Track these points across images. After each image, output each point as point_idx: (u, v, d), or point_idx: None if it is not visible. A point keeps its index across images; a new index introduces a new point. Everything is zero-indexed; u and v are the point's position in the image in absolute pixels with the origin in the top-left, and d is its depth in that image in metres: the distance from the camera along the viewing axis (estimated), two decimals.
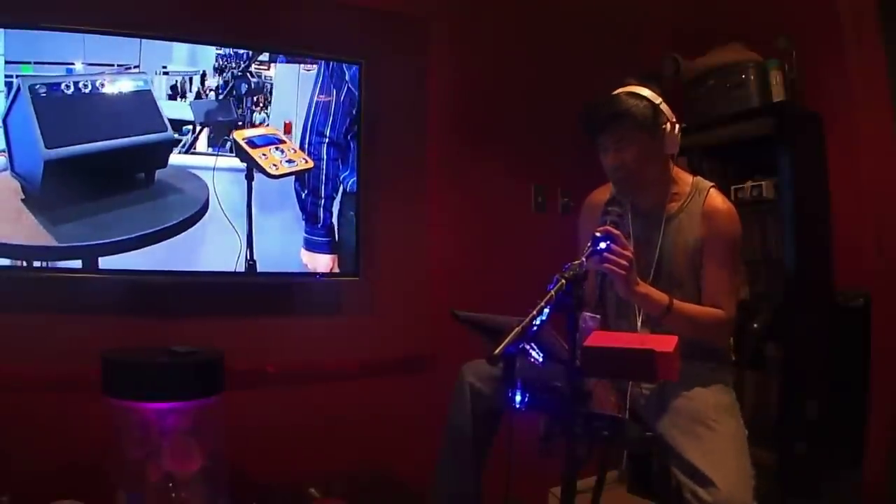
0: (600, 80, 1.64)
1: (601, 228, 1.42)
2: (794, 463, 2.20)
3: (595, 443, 1.40)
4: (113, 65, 1.63)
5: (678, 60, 2.66)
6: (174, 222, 1.67)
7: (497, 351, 1.05)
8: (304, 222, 1.80)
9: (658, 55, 2.75)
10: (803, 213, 2.32)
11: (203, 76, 1.70)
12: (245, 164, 1.61)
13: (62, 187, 1.60)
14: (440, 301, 2.39)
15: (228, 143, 1.60)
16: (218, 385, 1.90)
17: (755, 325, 1.74)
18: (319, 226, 1.84)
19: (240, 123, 1.66)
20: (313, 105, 1.69)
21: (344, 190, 1.70)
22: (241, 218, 1.69)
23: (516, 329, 1.08)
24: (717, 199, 1.62)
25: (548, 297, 1.14)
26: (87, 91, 1.58)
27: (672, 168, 1.66)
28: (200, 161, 1.61)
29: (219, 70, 1.72)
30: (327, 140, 1.67)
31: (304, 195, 1.65)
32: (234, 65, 1.74)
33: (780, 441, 2.22)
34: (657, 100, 1.57)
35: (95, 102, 1.60)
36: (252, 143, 1.63)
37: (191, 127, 1.63)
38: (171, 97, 1.66)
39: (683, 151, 2.49)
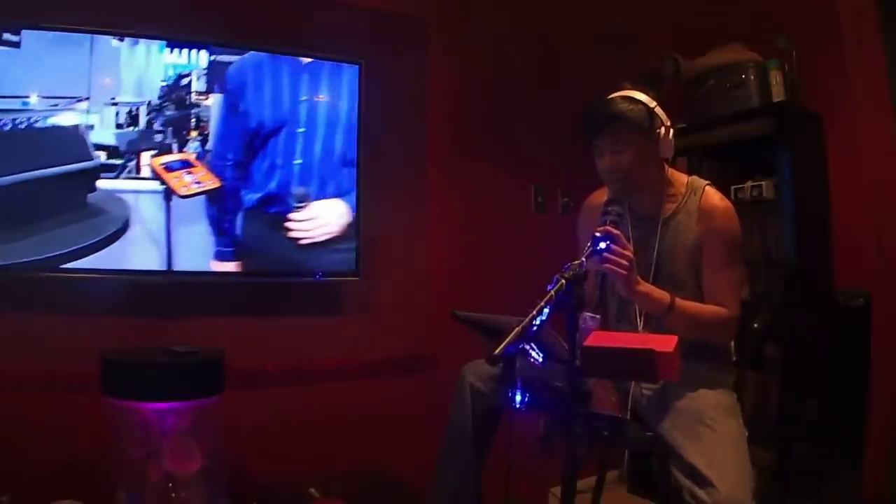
0: (600, 80, 1.64)
1: (601, 228, 1.42)
2: (794, 463, 2.20)
3: (595, 443, 1.40)
4: (65, 97, 1.75)
5: (678, 60, 2.66)
6: (98, 239, 1.83)
7: (497, 351, 1.05)
8: (213, 235, 1.95)
9: (658, 55, 2.75)
10: (803, 213, 2.32)
11: (149, 105, 1.83)
12: (163, 186, 1.78)
13: (4, 211, 1.77)
14: (440, 301, 2.39)
15: (150, 168, 1.79)
16: (218, 385, 1.89)
17: (755, 325, 1.74)
18: (226, 237, 1.99)
19: (158, 151, 1.80)
20: (221, 130, 1.82)
21: (245, 206, 1.85)
22: (163, 233, 1.85)
23: (516, 329, 1.08)
24: (713, 196, 1.61)
25: (548, 297, 1.13)
26: (24, 126, 1.74)
27: (667, 170, 1.66)
28: (128, 185, 1.77)
29: (161, 100, 1.84)
30: (230, 162, 1.80)
31: (213, 211, 1.80)
32: (174, 96, 1.86)
33: (780, 441, 2.22)
34: (652, 103, 1.57)
35: (32, 136, 1.75)
36: (168, 167, 1.78)
37: (121, 154, 1.80)
38: (119, 126, 1.80)
39: (683, 151, 2.52)
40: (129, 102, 1.81)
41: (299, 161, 1.85)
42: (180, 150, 1.81)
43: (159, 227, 1.81)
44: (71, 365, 1.90)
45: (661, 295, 1.49)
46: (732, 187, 2.48)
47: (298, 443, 2.22)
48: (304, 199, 1.83)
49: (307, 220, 1.85)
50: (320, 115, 1.87)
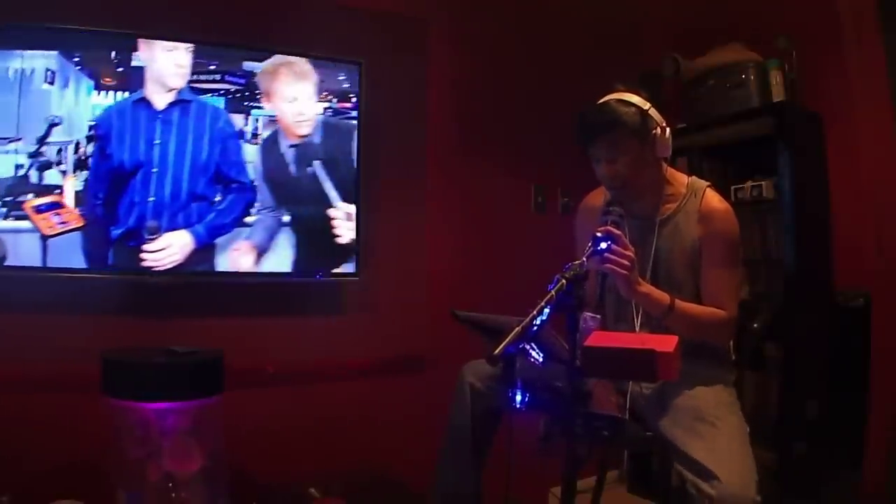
0: (600, 80, 1.64)
1: (602, 228, 1.42)
2: (794, 463, 2.20)
3: (595, 443, 1.40)
4: None
5: (678, 60, 2.66)
6: None
7: (497, 351, 1.05)
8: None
9: (658, 55, 2.75)
10: (803, 213, 2.32)
11: (77, 145, 1.96)
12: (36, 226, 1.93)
13: None
14: (440, 301, 2.39)
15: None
16: (218, 385, 1.90)
17: (755, 325, 1.74)
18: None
19: (36, 193, 1.93)
20: (92, 172, 1.98)
21: (112, 240, 2.00)
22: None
23: (516, 329, 1.08)
24: (713, 199, 1.61)
25: (548, 297, 1.13)
26: None
27: (665, 170, 1.65)
28: (9, 224, 1.91)
29: (89, 140, 1.98)
30: (100, 201, 1.97)
31: (87, 247, 1.96)
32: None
33: (780, 441, 2.22)
34: (646, 105, 1.56)
35: None
36: (38, 209, 1.92)
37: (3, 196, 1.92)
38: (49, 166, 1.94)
39: (683, 151, 2.52)
40: (60, 142, 1.94)
41: (153, 198, 2.01)
42: (59, 192, 1.95)
43: (35, 262, 1.94)
44: (71, 365, 1.90)
45: (661, 296, 1.49)
46: (732, 187, 2.48)
47: (298, 443, 2.22)
48: (156, 232, 2.00)
49: (158, 249, 2.01)
50: (171, 156, 2.04)
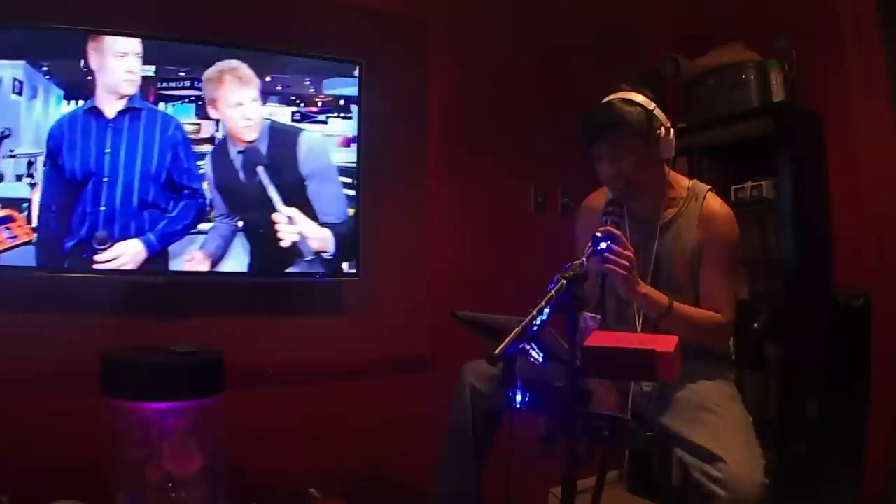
0: (600, 80, 1.64)
1: (602, 228, 1.42)
2: (794, 463, 2.20)
3: (595, 443, 1.40)
4: None
5: (678, 60, 2.66)
6: None
7: (497, 351, 1.05)
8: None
9: (658, 55, 2.75)
10: (803, 213, 2.32)
11: (34, 158, 1.95)
12: None
13: None
14: (440, 301, 2.39)
15: None
16: (218, 385, 1.90)
17: (755, 325, 1.74)
18: None
19: None
20: (45, 184, 1.97)
21: (64, 251, 1.97)
22: None
23: (516, 329, 1.08)
24: (714, 203, 1.61)
25: (548, 297, 1.13)
26: None
27: (668, 172, 1.65)
28: None
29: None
30: (53, 213, 1.96)
31: (41, 260, 1.95)
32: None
33: (780, 441, 2.22)
34: (650, 105, 1.55)
35: None
36: None
37: None
38: (18, 178, 1.94)
39: (684, 151, 2.52)
40: (28, 154, 1.94)
41: (104, 207, 2.00)
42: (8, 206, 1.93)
43: None
44: (71, 365, 1.90)
45: (660, 297, 1.50)
46: (732, 187, 2.48)
47: (298, 443, 2.22)
48: (105, 241, 1.98)
49: (109, 259, 1.99)
50: (121, 165, 2.03)
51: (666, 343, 1.22)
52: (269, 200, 2.18)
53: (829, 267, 2.40)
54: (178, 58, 2.09)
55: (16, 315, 1.89)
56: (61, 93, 1.96)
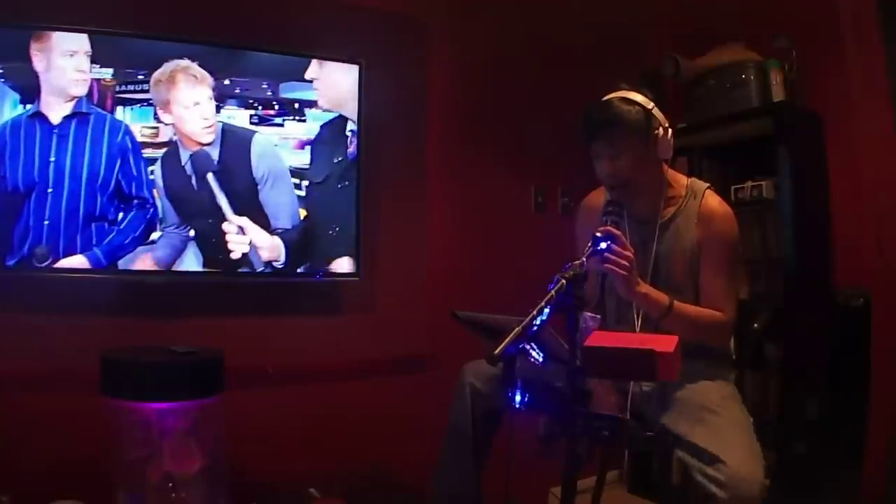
0: (600, 80, 1.64)
1: (602, 228, 1.42)
2: (794, 463, 2.20)
3: (595, 443, 1.40)
4: None
5: (678, 60, 2.66)
6: None
7: (497, 351, 1.05)
8: None
9: (658, 55, 2.75)
10: (803, 213, 2.32)
11: None
12: None
13: None
14: (440, 301, 2.39)
15: None
16: (218, 385, 1.89)
17: (755, 325, 1.74)
18: None
19: None
20: None
21: (5, 268, 1.87)
22: None
23: (516, 329, 1.08)
24: (713, 201, 1.61)
25: (548, 297, 1.13)
26: None
27: (666, 171, 1.65)
28: None
29: None
30: None
31: None
32: None
33: (780, 441, 2.22)
34: (649, 105, 1.55)
35: None
36: None
37: None
38: None
39: (683, 151, 2.52)
40: None
41: (47, 221, 1.87)
42: None
43: None
44: (71, 365, 1.90)
45: (660, 297, 1.50)
46: (732, 187, 2.48)
47: (298, 443, 2.22)
48: (45, 259, 1.86)
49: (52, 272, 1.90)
50: (66, 174, 1.89)
51: (666, 343, 1.22)
52: (220, 209, 2.10)
53: (829, 267, 2.40)
54: (138, 59, 1.97)
55: (16, 315, 1.89)
56: (17, 96, 1.86)
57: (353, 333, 2.37)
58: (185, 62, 2.04)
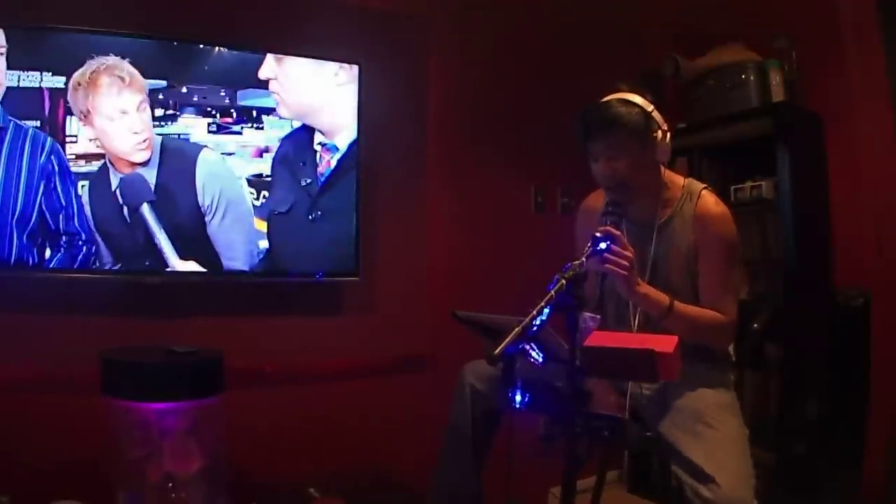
0: (600, 80, 1.64)
1: (601, 229, 1.42)
2: (794, 463, 2.20)
3: (595, 443, 1.40)
4: None
5: (678, 60, 2.66)
6: None
7: (497, 351, 1.05)
8: None
9: (658, 55, 2.75)
10: (803, 213, 2.32)
11: None
12: None
13: None
14: (440, 301, 2.39)
15: None
16: (218, 385, 1.89)
17: (755, 325, 1.74)
18: None
19: None
20: None
21: None
22: None
23: (516, 329, 1.08)
24: (708, 201, 1.59)
25: (548, 297, 1.13)
26: None
27: (663, 173, 1.64)
28: None
29: None
30: None
31: None
32: None
33: (780, 441, 2.22)
34: (649, 107, 1.54)
35: None
36: None
37: None
38: None
39: (683, 151, 2.52)
40: None
41: None
42: None
43: None
44: (71, 365, 1.90)
45: (660, 297, 1.49)
46: (732, 187, 2.48)
47: (298, 443, 2.22)
48: None
49: None
50: None
51: (666, 343, 1.22)
52: (159, 250, 1.74)
53: (828, 267, 2.40)
54: (61, 58, 1.61)
55: (16, 315, 1.89)
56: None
57: (353, 333, 2.37)
58: (112, 59, 1.64)
